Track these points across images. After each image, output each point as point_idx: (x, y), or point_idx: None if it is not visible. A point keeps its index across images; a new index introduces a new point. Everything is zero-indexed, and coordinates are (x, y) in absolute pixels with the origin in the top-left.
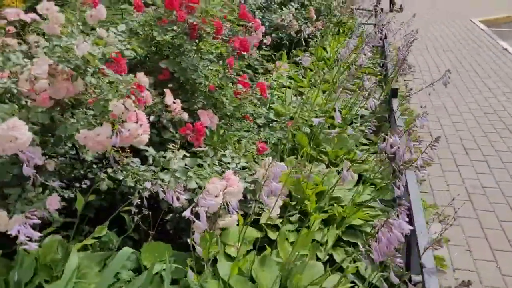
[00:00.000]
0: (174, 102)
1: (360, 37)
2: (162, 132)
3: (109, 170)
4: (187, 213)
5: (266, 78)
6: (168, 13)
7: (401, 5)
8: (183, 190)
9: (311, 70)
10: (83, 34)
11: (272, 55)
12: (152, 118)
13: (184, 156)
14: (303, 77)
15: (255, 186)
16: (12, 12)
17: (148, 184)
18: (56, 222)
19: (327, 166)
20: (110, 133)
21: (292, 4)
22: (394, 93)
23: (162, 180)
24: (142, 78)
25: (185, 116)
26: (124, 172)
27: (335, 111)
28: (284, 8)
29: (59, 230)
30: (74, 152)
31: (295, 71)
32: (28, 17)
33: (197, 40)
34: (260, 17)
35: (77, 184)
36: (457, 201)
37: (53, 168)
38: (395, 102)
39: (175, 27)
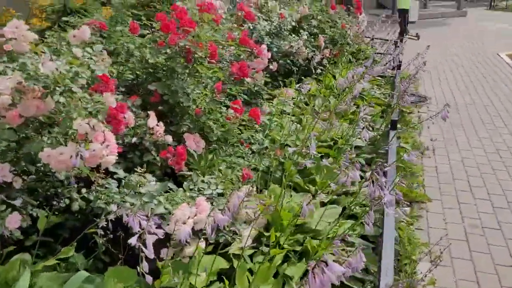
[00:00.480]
0: (157, 125)
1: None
2: (144, 155)
3: (83, 190)
4: (132, 241)
5: (268, 104)
6: (164, 36)
7: (417, 33)
8: (153, 215)
9: (316, 97)
10: (61, 53)
11: (281, 81)
12: (134, 139)
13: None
14: (306, 104)
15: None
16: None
17: (114, 207)
18: (29, 240)
19: (314, 197)
20: (74, 153)
21: (302, 32)
22: (393, 124)
23: (132, 204)
24: (109, 98)
25: (169, 139)
26: (95, 194)
27: (338, 141)
28: (294, 36)
29: (30, 249)
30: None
31: (301, 98)
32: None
33: (192, 64)
34: (269, 43)
35: (54, 202)
36: (453, 241)
37: (19, 186)
38: (391, 134)
39: (168, 50)
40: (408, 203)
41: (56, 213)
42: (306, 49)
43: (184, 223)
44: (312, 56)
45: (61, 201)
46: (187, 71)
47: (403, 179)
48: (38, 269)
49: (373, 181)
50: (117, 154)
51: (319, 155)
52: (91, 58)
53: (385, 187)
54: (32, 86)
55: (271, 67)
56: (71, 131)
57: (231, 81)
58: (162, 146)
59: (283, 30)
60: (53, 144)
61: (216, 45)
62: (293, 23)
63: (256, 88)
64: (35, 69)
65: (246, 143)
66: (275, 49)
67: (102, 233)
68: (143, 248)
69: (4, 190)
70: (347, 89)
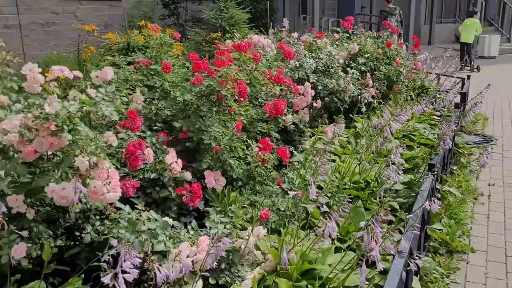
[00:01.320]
0: (175, 162)
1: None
2: (160, 191)
3: (97, 223)
4: (105, 279)
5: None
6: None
7: (478, 66)
8: (150, 252)
9: (362, 137)
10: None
11: (327, 119)
12: (153, 175)
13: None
14: (348, 143)
15: (232, 255)
16: (56, 69)
17: (114, 242)
18: (47, 268)
19: (333, 241)
20: (73, 189)
21: (349, 69)
22: (430, 168)
23: (127, 241)
24: (110, 137)
25: (188, 175)
26: (102, 227)
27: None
28: (341, 73)
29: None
30: None
31: (346, 137)
32: (71, 74)
33: (220, 102)
34: (314, 80)
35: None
36: None
37: (32, 217)
38: (428, 180)
39: (196, 88)
40: (448, 253)
41: (71, 243)
42: (353, 87)
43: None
44: (359, 94)
45: (82, 233)
46: (214, 109)
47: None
48: None
49: (368, 232)
50: (120, 192)
51: (344, 196)
52: (104, 99)
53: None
54: (39, 124)
55: (315, 104)
56: (75, 167)
57: (264, 119)
58: (181, 183)
59: (330, 67)
60: (59, 179)
61: (252, 83)
62: (341, 61)
63: (292, 126)
64: (41, 109)
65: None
66: (320, 87)
67: (105, 266)
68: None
69: (20, 220)
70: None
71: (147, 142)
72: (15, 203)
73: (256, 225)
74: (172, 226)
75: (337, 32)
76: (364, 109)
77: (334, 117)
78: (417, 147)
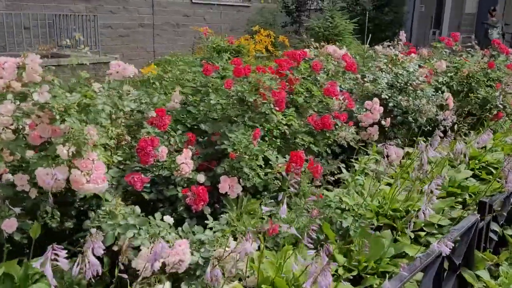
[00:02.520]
0: (184, 162)
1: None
2: (166, 189)
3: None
4: (36, 264)
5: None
6: (236, 80)
7: None
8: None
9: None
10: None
11: (399, 140)
12: (165, 173)
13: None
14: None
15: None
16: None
17: (93, 231)
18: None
19: (336, 271)
20: (50, 175)
21: (427, 90)
22: (480, 207)
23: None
24: (91, 130)
25: (201, 178)
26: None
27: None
28: (422, 92)
29: None
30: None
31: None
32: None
33: (250, 109)
34: (387, 97)
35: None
36: None
37: (34, 196)
38: (470, 218)
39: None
40: None
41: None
42: (430, 107)
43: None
44: (436, 115)
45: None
46: (247, 115)
47: None
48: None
49: None
50: (104, 185)
51: (365, 222)
52: (108, 95)
53: None
54: (36, 111)
55: (383, 122)
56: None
57: (310, 131)
58: (191, 183)
59: (408, 84)
60: (48, 165)
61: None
62: (421, 78)
63: (342, 142)
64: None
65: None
66: (391, 104)
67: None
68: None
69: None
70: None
71: (170, 140)
72: (20, 182)
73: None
74: (171, 226)
75: (435, 47)
76: (437, 132)
77: (408, 138)
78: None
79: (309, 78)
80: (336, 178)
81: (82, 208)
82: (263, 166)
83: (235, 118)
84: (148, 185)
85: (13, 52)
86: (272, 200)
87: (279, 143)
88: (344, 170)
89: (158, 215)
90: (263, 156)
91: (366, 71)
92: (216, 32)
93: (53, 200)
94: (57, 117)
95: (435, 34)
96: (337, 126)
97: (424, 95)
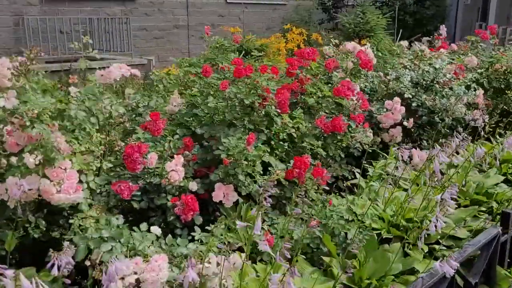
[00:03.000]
0: (174, 170)
1: None
2: (157, 197)
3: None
4: None
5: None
6: (237, 81)
7: None
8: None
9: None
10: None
11: (425, 142)
12: (156, 180)
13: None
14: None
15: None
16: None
17: (65, 244)
18: None
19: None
20: (35, 185)
21: (457, 86)
22: (503, 218)
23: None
24: (58, 138)
25: (193, 186)
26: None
27: None
28: (450, 90)
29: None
30: None
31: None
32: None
33: (251, 111)
34: (410, 96)
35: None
36: None
37: (13, 206)
38: (491, 231)
39: (226, 95)
40: None
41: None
42: (459, 107)
43: (122, 278)
44: (474, 116)
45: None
46: (246, 118)
47: None
48: None
49: None
50: (79, 195)
51: (368, 234)
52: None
53: None
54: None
55: (405, 123)
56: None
57: (317, 133)
58: (184, 191)
59: (434, 82)
60: (22, 174)
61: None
62: (448, 75)
63: (356, 146)
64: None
65: None
66: (414, 103)
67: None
68: None
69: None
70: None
71: (164, 146)
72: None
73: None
74: (158, 237)
75: (468, 41)
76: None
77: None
78: None
79: (323, 77)
80: (352, 184)
81: (71, 217)
82: (262, 172)
83: (235, 122)
84: (139, 193)
85: (48, 57)
86: (277, 210)
87: (287, 147)
88: (358, 176)
89: (144, 225)
90: (265, 161)
91: (390, 68)
92: (251, 31)
93: (40, 208)
94: (27, 123)
95: (482, 27)
96: (350, 129)
97: (452, 94)
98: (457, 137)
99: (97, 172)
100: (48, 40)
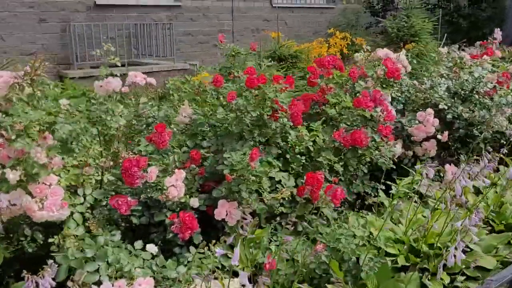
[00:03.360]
0: (174, 185)
1: None
2: (159, 213)
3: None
4: None
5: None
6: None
7: None
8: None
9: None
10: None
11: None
12: (157, 195)
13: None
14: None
15: None
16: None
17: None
18: None
19: None
20: (18, 201)
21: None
22: None
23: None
24: (38, 153)
25: (194, 202)
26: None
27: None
28: (490, 101)
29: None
30: None
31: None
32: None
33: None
34: (446, 107)
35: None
36: None
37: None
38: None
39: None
40: None
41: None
42: (502, 119)
43: None
44: (503, 130)
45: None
46: (256, 131)
47: None
48: None
49: None
50: (64, 212)
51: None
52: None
53: None
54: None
55: (439, 137)
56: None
57: (336, 147)
58: (185, 207)
59: (474, 92)
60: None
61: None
62: (489, 85)
63: (381, 160)
64: None
65: None
66: (449, 116)
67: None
68: None
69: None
70: None
71: (169, 160)
72: None
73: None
74: (153, 257)
75: None
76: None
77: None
78: None
79: (347, 86)
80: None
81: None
82: (269, 189)
83: (244, 134)
84: (140, 207)
85: (92, 62)
86: (287, 227)
87: (304, 161)
88: (381, 193)
89: (139, 243)
90: (274, 178)
91: (426, 77)
92: (297, 36)
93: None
94: (13, 137)
95: None
96: (373, 142)
97: (493, 105)
98: (486, 155)
99: (98, 185)
100: (92, 46)
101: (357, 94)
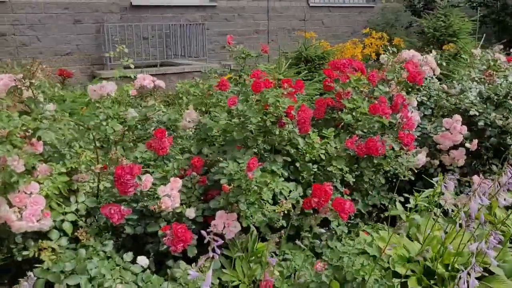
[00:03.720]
0: (168, 195)
1: None
2: (154, 223)
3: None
4: None
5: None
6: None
7: None
8: None
9: None
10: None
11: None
12: (150, 204)
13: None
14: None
15: None
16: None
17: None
18: None
19: None
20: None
21: None
22: None
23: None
24: (14, 161)
25: (190, 213)
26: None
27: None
28: None
29: None
30: None
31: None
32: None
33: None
34: (477, 113)
35: None
36: None
37: None
38: None
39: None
40: None
41: None
42: None
43: None
44: None
45: None
46: (260, 138)
47: None
48: None
49: None
50: (46, 222)
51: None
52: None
53: None
54: None
55: (467, 145)
56: None
57: (350, 155)
58: (181, 218)
59: (508, 98)
60: None
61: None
62: None
63: (397, 170)
64: None
65: None
66: (481, 122)
67: None
68: None
69: None
70: None
71: (168, 166)
72: None
73: None
74: (144, 270)
75: None
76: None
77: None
78: None
79: (365, 91)
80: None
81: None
82: (271, 200)
83: (248, 141)
84: (135, 216)
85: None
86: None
87: (316, 170)
88: (399, 206)
89: (129, 255)
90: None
91: (459, 80)
92: (334, 36)
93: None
94: None
95: None
96: (391, 152)
97: None
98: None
99: (96, 192)
100: (127, 46)
101: (376, 100)
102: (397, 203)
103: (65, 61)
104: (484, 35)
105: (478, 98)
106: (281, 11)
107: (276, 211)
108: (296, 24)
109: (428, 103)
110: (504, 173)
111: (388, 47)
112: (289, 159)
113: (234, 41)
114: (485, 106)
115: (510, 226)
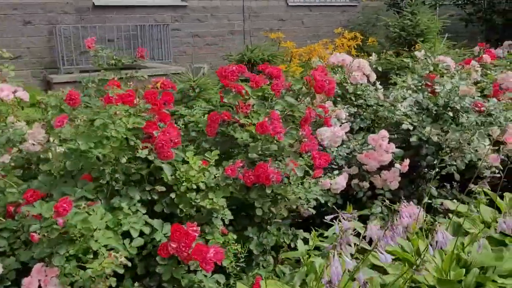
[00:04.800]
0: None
1: None
2: None
3: None
4: None
5: None
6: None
7: None
8: None
9: None
10: None
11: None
12: None
13: None
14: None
15: None
16: None
17: None
18: None
19: None
20: None
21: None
22: None
23: None
24: None
25: None
26: None
27: None
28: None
29: None
30: None
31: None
32: None
33: None
34: (410, 127)
35: None
36: None
37: None
38: None
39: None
40: None
41: None
42: (478, 144)
43: None
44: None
45: None
46: (108, 169)
47: None
48: None
49: None
50: None
51: None
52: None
53: None
54: None
55: (397, 166)
56: None
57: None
58: None
59: (448, 109)
60: None
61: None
62: (467, 100)
63: (298, 203)
64: None
65: None
66: (414, 138)
67: None
68: None
69: None
70: None
71: None
72: None
73: None
74: None
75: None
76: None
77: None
78: None
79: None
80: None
81: None
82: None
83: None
84: None
85: (81, 66)
86: None
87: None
88: (300, 244)
89: None
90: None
91: (396, 88)
92: (316, 36)
93: None
94: None
95: None
96: (296, 177)
97: (469, 126)
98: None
99: None
100: (84, 49)
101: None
102: (299, 241)
103: (15, 64)
104: (447, 34)
105: (415, 109)
106: (258, 11)
107: (104, 265)
108: (274, 24)
109: (365, 114)
110: (397, 216)
111: (362, 48)
112: (164, 189)
113: (207, 42)
114: (420, 118)
115: None
